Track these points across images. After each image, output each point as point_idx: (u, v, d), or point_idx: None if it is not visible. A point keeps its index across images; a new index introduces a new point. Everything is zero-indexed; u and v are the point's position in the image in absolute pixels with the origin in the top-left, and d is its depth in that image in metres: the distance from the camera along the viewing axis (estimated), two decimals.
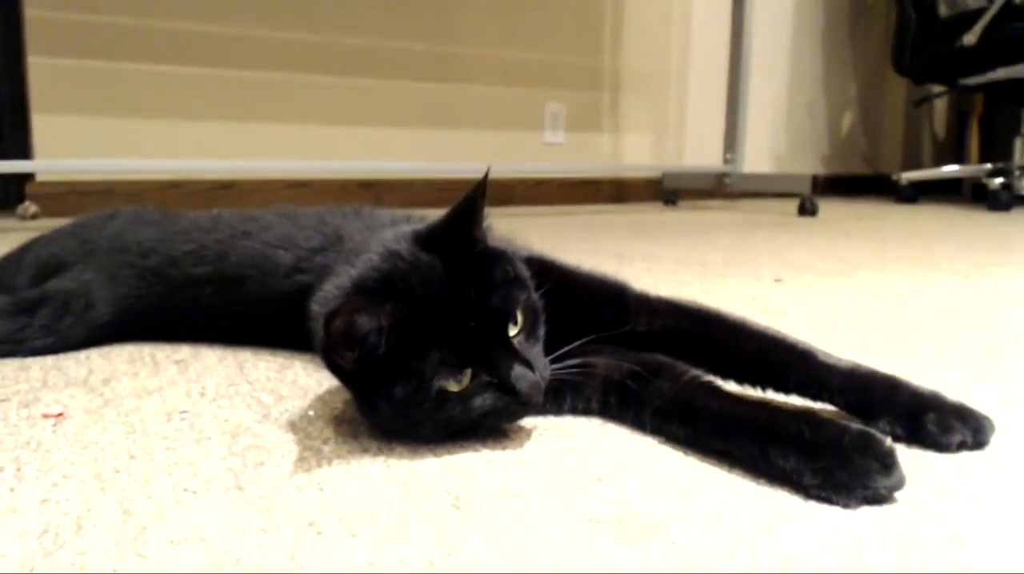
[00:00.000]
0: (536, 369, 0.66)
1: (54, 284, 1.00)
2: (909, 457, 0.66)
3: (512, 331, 0.67)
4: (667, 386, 0.71)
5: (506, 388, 0.65)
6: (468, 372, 0.65)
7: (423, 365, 0.63)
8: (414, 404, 0.64)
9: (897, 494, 0.58)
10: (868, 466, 0.57)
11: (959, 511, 0.56)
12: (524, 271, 0.72)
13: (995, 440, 0.70)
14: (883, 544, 0.51)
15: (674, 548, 0.51)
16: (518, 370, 0.65)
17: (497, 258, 0.70)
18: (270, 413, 0.76)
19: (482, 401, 0.65)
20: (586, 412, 0.76)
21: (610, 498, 0.58)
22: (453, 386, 0.64)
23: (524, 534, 0.52)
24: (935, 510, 0.56)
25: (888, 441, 0.59)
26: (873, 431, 0.59)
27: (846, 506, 0.57)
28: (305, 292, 0.84)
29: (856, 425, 0.61)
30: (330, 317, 0.62)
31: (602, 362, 0.76)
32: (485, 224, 0.72)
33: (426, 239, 0.69)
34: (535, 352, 0.68)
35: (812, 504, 0.57)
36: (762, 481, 0.61)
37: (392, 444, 0.68)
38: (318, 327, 0.66)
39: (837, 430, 0.60)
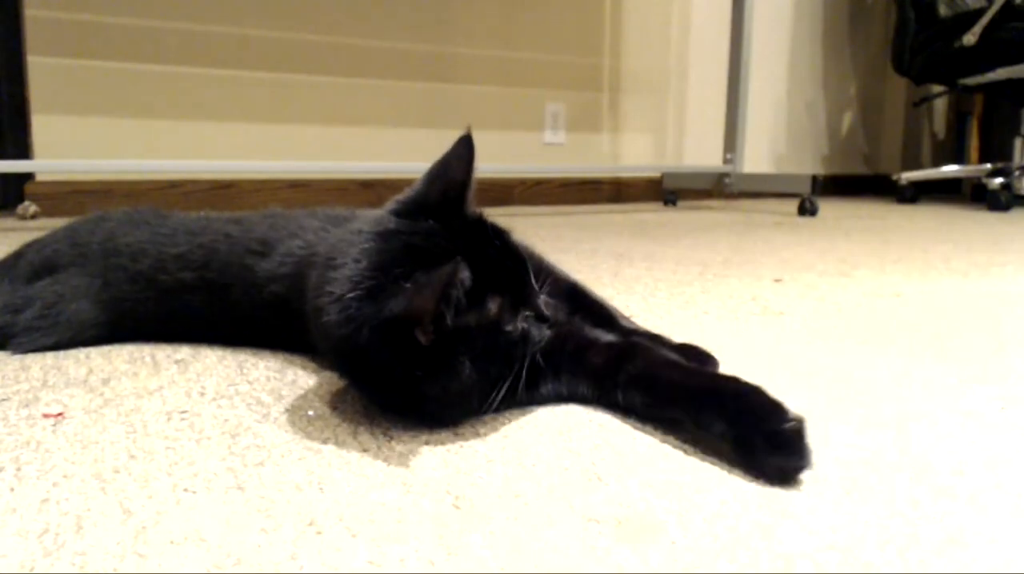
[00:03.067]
0: (544, 297, 0.74)
1: (43, 285, 1.00)
2: (908, 458, 0.66)
3: None
4: (640, 363, 0.75)
5: (540, 317, 0.72)
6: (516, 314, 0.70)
7: (488, 313, 0.67)
8: (493, 353, 0.67)
9: (895, 492, 0.59)
10: (766, 445, 0.61)
11: (959, 511, 0.56)
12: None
13: (995, 440, 0.70)
14: (883, 544, 0.51)
15: (674, 548, 0.51)
16: (543, 301, 0.73)
17: (479, 215, 0.75)
18: (270, 413, 0.76)
19: (533, 331, 0.71)
20: (578, 397, 0.79)
21: (610, 498, 0.58)
22: (511, 326, 0.69)
23: (524, 534, 0.52)
24: (935, 510, 0.56)
25: (795, 421, 0.61)
26: (781, 407, 0.63)
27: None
28: (285, 300, 0.85)
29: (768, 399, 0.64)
30: (418, 294, 0.61)
31: (592, 349, 0.80)
32: None
33: (412, 211, 0.73)
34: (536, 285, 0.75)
35: (812, 504, 0.57)
36: (762, 481, 0.61)
37: (393, 445, 0.68)
38: (354, 328, 0.65)
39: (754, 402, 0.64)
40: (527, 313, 0.70)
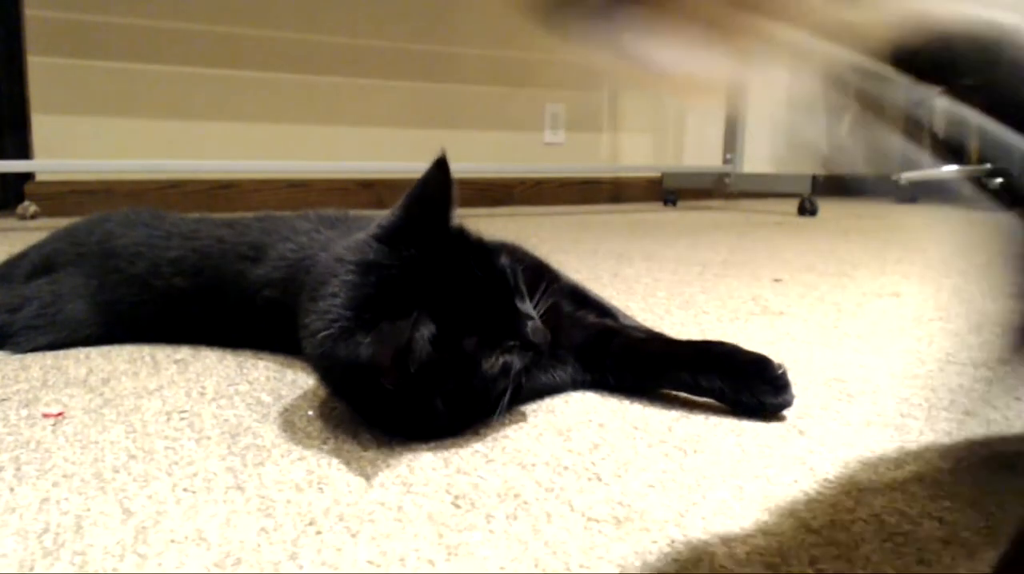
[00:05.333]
0: (535, 319, 0.71)
1: (41, 284, 1.00)
2: (908, 458, 0.66)
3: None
4: (620, 343, 0.83)
5: (527, 345, 0.69)
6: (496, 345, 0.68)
7: (464, 351, 0.66)
8: (468, 391, 0.66)
9: (894, 492, 0.59)
10: (763, 388, 0.75)
11: (958, 510, 0.56)
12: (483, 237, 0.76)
13: (994, 440, 0.70)
14: (883, 544, 0.51)
15: (674, 548, 0.51)
16: (531, 326, 0.70)
17: (461, 233, 0.73)
18: (270, 413, 0.76)
19: (515, 362, 0.69)
20: (570, 385, 0.83)
21: (610, 498, 0.58)
22: (491, 360, 0.67)
23: (524, 534, 0.52)
24: (934, 509, 0.56)
25: (779, 368, 0.75)
26: (768, 359, 0.75)
27: (751, 417, 0.75)
28: (280, 304, 0.85)
29: (754, 353, 0.76)
30: (378, 347, 0.62)
31: (572, 335, 0.83)
32: None
33: (393, 237, 0.71)
34: (529, 305, 0.73)
35: (812, 503, 0.57)
36: (762, 480, 0.61)
37: (392, 444, 0.68)
38: (330, 364, 0.68)
39: (744, 358, 0.76)
40: (511, 343, 0.68)
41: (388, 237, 0.71)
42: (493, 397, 0.68)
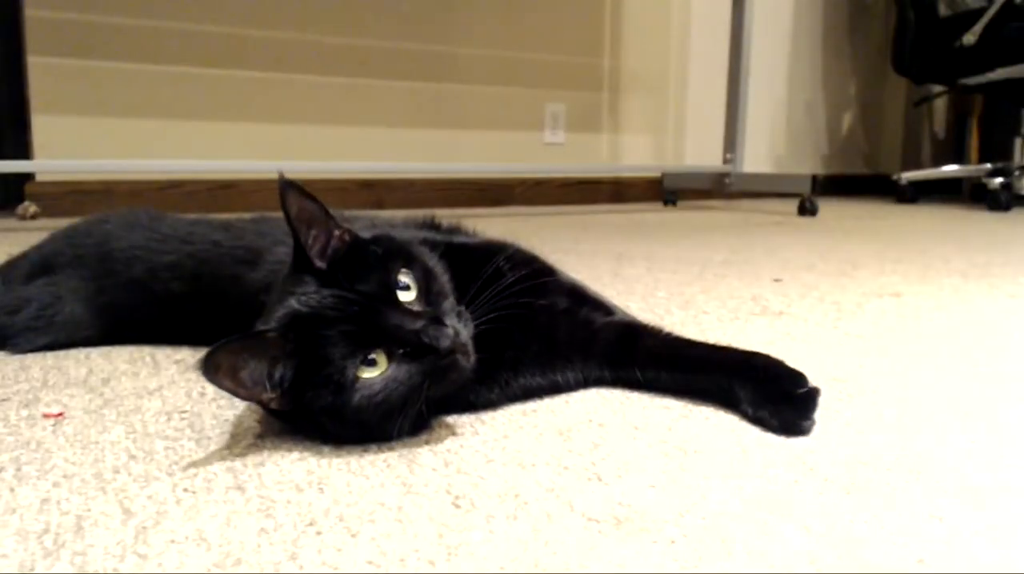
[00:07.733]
0: (448, 322, 0.66)
1: (40, 285, 1.00)
2: (908, 457, 0.66)
3: (407, 298, 0.67)
4: (654, 341, 0.84)
5: (422, 350, 0.65)
6: (381, 355, 0.65)
7: (332, 366, 0.64)
8: (345, 404, 0.64)
9: (895, 492, 0.59)
10: (790, 408, 0.73)
11: (959, 511, 0.56)
12: (400, 241, 0.73)
13: (995, 441, 0.70)
14: (883, 544, 0.51)
15: (674, 548, 0.51)
16: (429, 329, 0.65)
17: (360, 245, 0.71)
18: None
19: (406, 372, 0.65)
20: (592, 381, 0.84)
21: (610, 498, 0.58)
22: (370, 372, 0.64)
23: (524, 534, 0.52)
24: (935, 510, 0.56)
25: (812, 389, 0.74)
26: (802, 376, 0.75)
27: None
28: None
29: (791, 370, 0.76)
30: (238, 382, 0.64)
31: (600, 333, 0.84)
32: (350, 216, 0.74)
33: (295, 264, 0.70)
34: (445, 307, 0.69)
35: (812, 504, 0.57)
36: (762, 481, 0.61)
37: (392, 443, 0.68)
38: None
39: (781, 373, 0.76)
40: (402, 351, 0.65)
41: (294, 264, 0.70)
42: (387, 411, 0.65)
